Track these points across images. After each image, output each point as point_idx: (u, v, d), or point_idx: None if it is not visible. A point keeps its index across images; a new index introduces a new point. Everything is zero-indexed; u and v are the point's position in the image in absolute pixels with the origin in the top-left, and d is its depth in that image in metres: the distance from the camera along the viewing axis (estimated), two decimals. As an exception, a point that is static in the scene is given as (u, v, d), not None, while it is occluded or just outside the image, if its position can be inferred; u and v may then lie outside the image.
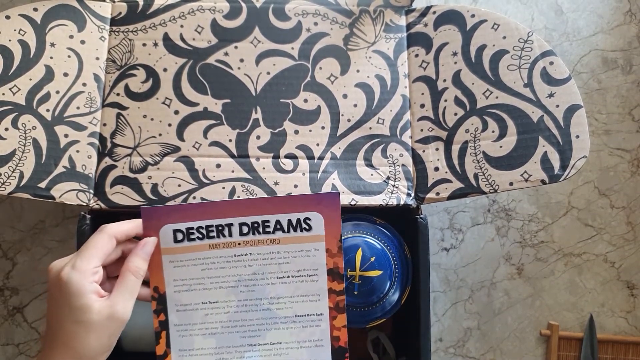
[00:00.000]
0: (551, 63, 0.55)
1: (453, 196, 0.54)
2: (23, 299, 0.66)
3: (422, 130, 0.56)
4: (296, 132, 0.55)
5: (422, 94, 0.57)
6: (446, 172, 0.55)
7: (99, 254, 0.40)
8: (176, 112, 0.55)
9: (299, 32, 0.57)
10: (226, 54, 0.56)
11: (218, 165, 0.54)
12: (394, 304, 0.54)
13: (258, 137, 0.55)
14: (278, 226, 0.46)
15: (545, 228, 0.71)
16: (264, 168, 0.54)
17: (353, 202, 0.54)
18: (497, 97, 0.55)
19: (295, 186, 0.54)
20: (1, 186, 0.50)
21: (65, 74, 0.54)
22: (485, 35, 0.56)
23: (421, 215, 0.54)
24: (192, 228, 0.45)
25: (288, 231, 0.46)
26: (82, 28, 0.55)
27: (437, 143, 0.56)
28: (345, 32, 0.57)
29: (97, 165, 0.53)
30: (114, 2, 0.56)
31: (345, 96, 0.56)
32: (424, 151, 0.56)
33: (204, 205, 0.45)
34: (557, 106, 0.54)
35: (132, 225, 0.44)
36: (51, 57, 0.54)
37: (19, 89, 0.53)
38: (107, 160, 0.54)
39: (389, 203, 0.54)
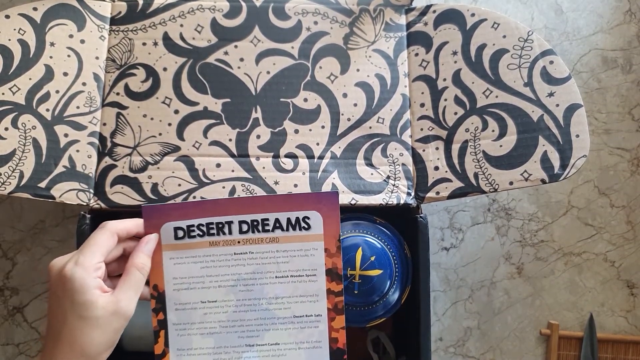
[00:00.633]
0: (551, 62, 0.55)
1: (453, 195, 0.54)
2: (23, 299, 0.66)
3: (422, 129, 0.56)
4: (296, 131, 0.55)
5: (422, 93, 0.57)
6: (446, 172, 0.55)
7: (101, 250, 0.40)
8: (176, 112, 0.55)
9: (299, 31, 0.57)
10: (226, 53, 0.56)
11: (218, 165, 0.54)
12: (394, 304, 0.54)
13: (258, 137, 0.55)
14: (277, 224, 0.46)
15: (545, 227, 0.71)
16: (264, 167, 0.54)
17: (353, 202, 0.54)
18: (497, 97, 0.55)
19: (295, 185, 0.54)
20: (1, 186, 0.50)
21: (65, 74, 0.54)
22: (485, 34, 0.56)
23: (421, 215, 0.54)
24: (193, 225, 0.45)
25: (287, 230, 0.46)
26: (82, 27, 0.55)
27: (437, 142, 0.56)
28: (345, 31, 0.57)
29: (97, 165, 0.53)
30: (114, 1, 0.56)
31: (345, 95, 0.56)
32: (424, 150, 0.56)
33: (205, 203, 0.45)
34: (557, 105, 0.54)
35: (134, 223, 0.44)
36: (51, 57, 0.54)
37: (19, 89, 0.53)
38: (107, 160, 0.53)
39: (389, 202, 0.54)
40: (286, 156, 0.55)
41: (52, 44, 0.54)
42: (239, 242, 0.46)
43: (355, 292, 0.52)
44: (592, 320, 0.69)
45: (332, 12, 0.57)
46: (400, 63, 0.57)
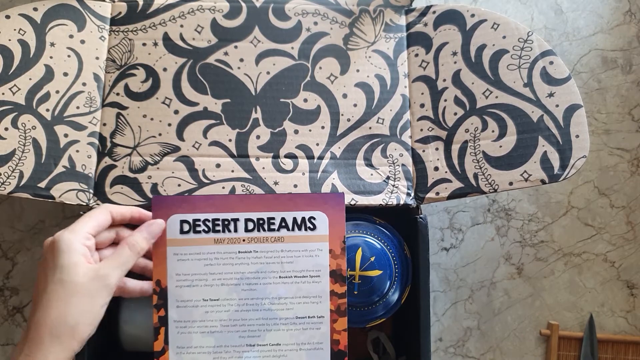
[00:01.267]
0: (551, 63, 0.55)
1: (453, 196, 0.54)
2: (23, 299, 0.66)
3: (421, 130, 0.56)
4: (296, 131, 0.55)
5: (422, 93, 0.57)
6: (446, 172, 0.55)
7: (92, 222, 0.41)
8: (176, 112, 0.55)
9: (298, 32, 0.57)
10: (226, 53, 0.56)
11: (218, 165, 0.54)
12: (393, 304, 0.54)
13: (258, 137, 0.55)
14: (283, 224, 0.46)
15: (545, 228, 0.71)
16: (263, 168, 0.54)
17: (353, 202, 0.54)
18: (496, 97, 0.55)
19: (295, 186, 0.54)
20: (1, 186, 0.50)
21: (65, 74, 0.54)
22: (485, 34, 0.56)
23: (421, 215, 0.54)
24: (199, 220, 0.45)
25: (293, 229, 0.46)
26: (82, 28, 0.55)
27: (436, 143, 0.56)
28: (345, 32, 0.57)
29: (97, 165, 0.53)
30: (114, 1, 0.56)
31: (345, 96, 0.56)
32: (423, 151, 0.56)
33: (214, 198, 0.46)
34: (557, 106, 0.54)
35: (131, 209, 0.44)
36: (51, 57, 0.54)
37: (19, 89, 0.53)
38: (106, 160, 0.54)
39: (389, 203, 0.54)
40: (286, 156, 0.55)
41: (52, 44, 0.54)
42: (244, 240, 0.46)
43: (355, 292, 0.52)
44: (592, 320, 0.69)
45: (332, 12, 0.57)
46: (400, 63, 0.57)
